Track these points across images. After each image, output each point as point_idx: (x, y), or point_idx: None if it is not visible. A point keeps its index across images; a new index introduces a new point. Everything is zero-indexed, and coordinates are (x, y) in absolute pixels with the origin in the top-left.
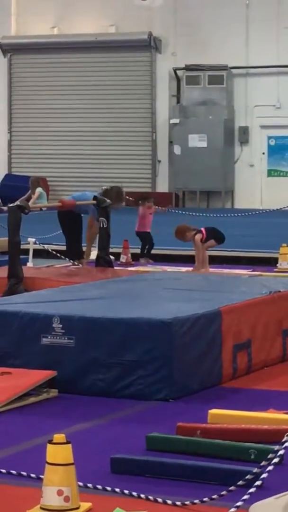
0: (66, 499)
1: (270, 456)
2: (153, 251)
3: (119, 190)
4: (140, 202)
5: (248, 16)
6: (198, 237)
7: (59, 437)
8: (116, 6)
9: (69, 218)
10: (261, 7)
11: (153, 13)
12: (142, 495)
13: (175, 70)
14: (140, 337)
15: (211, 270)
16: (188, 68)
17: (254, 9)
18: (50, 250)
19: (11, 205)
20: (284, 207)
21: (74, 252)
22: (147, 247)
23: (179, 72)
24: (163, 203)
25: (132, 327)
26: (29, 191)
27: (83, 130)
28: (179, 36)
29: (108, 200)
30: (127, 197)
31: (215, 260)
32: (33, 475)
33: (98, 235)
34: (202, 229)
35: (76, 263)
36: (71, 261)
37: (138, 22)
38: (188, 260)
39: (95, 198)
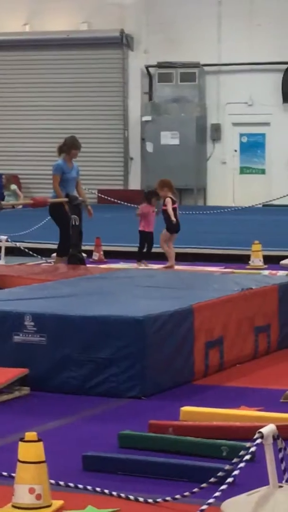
0: (38, 497)
1: (241, 453)
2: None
3: (73, 137)
4: (147, 199)
5: (220, 14)
6: (169, 201)
7: (30, 435)
8: (88, 3)
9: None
10: (233, 4)
11: (125, 10)
12: (114, 493)
13: (147, 67)
14: (112, 334)
15: (183, 268)
16: (160, 65)
17: (226, 6)
18: (22, 248)
19: None
20: (256, 204)
21: (62, 249)
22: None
23: (151, 70)
24: (135, 201)
25: (104, 325)
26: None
27: (55, 128)
28: (151, 33)
29: (80, 198)
30: (100, 194)
31: (187, 258)
32: (4, 473)
33: (71, 232)
34: (175, 206)
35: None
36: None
37: (110, 20)
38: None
39: (67, 195)
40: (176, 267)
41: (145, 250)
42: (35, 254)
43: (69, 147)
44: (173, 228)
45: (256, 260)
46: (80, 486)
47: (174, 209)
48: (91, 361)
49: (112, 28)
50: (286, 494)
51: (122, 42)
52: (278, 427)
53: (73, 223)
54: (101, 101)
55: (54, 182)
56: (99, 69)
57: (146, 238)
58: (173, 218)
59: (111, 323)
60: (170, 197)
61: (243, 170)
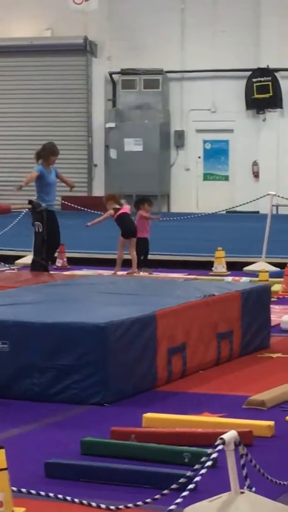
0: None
1: (203, 459)
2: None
3: (51, 143)
4: (139, 206)
5: (183, 21)
6: (110, 211)
7: None
8: (52, 10)
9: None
10: (196, 11)
11: (89, 17)
12: (76, 500)
13: (110, 74)
14: (75, 341)
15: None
16: (123, 72)
17: (189, 13)
18: None
19: None
20: (219, 211)
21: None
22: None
23: (115, 76)
24: (99, 208)
25: (67, 332)
26: None
27: (19, 134)
28: (115, 40)
29: (44, 205)
30: (63, 201)
31: (151, 264)
32: None
33: (33, 239)
34: (124, 211)
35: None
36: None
37: (73, 26)
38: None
39: (30, 202)
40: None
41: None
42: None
43: (48, 153)
44: (125, 233)
45: (219, 266)
46: (42, 493)
47: (124, 214)
48: (54, 368)
49: (75, 34)
50: (248, 500)
51: (85, 49)
52: (239, 433)
53: (37, 230)
54: (65, 107)
55: (31, 174)
56: (63, 75)
57: (141, 244)
58: (89, 224)
59: (74, 330)
60: (113, 208)
61: (206, 177)
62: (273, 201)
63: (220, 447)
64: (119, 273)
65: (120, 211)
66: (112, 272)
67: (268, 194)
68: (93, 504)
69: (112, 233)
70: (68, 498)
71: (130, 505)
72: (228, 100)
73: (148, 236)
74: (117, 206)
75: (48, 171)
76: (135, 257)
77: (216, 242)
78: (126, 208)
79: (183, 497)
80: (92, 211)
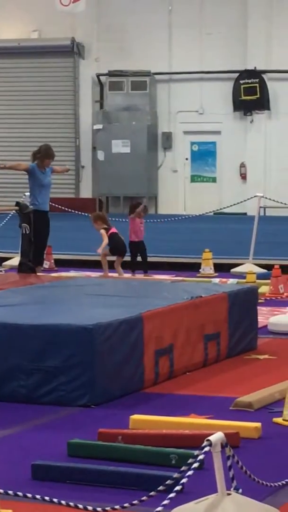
0: None
1: (190, 461)
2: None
3: (47, 145)
4: (132, 211)
5: (170, 22)
6: (103, 231)
7: None
8: (39, 11)
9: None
10: (183, 13)
11: (76, 19)
12: (63, 502)
13: (98, 76)
14: (62, 343)
15: (129, 275)
16: (111, 74)
17: (176, 15)
18: None
19: None
20: (207, 213)
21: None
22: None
23: (102, 78)
24: (86, 209)
25: (54, 333)
26: None
27: (6, 136)
28: (102, 42)
29: (31, 207)
30: (51, 203)
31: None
32: None
33: (21, 240)
34: (113, 230)
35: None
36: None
37: (61, 28)
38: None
39: (17, 204)
40: (127, 275)
41: (139, 259)
42: None
43: (43, 155)
44: (116, 251)
45: (207, 268)
46: (29, 495)
47: (115, 233)
48: (41, 370)
49: (63, 36)
50: (234, 501)
51: (73, 50)
52: (226, 435)
53: (24, 232)
54: (52, 109)
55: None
56: (50, 77)
57: (137, 247)
58: (99, 251)
59: (61, 332)
60: (104, 228)
61: (194, 179)
62: (260, 203)
63: (206, 448)
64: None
65: (111, 231)
66: (102, 274)
67: (255, 196)
68: (80, 506)
69: (99, 235)
70: (55, 500)
71: (117, 506)
72: (216, 102)
73: (143, 238)
74: (106, 226)
75: (42, 171)
76: (122, 273)
77: (204, 244)
78: (114, 228)
79: (170, 498)
80: (80, 212)
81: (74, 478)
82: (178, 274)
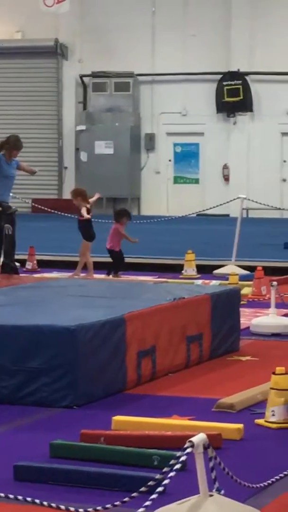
0: None
1: (172, 462)
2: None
3: (16, 136)
4: (118, 218)
5: (154, 24)
6: (84, 209)
7: None
8: (23, 12)
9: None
10: (167, 14)
11: (60, 19)
12: (45, 503)
13: (81, 76)
14: (44, 344)
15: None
16: (94, 75)
17: (160, 16)
18: None
19: None
20: (190, 214)
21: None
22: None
23: (86, 79)
24: (70, 210)
25: (36, 334)
26: None
27: None
28: (86, 43)
29: (14, 207)
30: (34, 204)
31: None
32: None
33: (4, 242)
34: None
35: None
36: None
37: (44, 29)
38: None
39: (0, 204)
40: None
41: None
42: None
43: (11, 146)
44: (90, 237)
45: (189, 269)
46: (11, 496)
47: (89, 219)
48: (23, 371)
49: (46, 37)
50: (216, 503)
51: (56, 51)
52: (208, 436)
53: (6, 232)
54: (36, 110)
55: None
56: (34, 78)
57: (115, 256)
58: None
59: (43, 333)
60: (86, 207)
61: (177, 180)
62: (243, 205)
63: (189, 450)
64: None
65: (89, 216)
66: (85, 275)
67: (238, 198)
68: (62, 507)
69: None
70: (37, 501)
71: (99, 507)
72: (199, 104)
73: (119, 248)
74: (87, 206)
75: (7, 163)
76: (83, 261)
77: (186, 245)
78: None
79: (152, 499)
80: (63, 213)
81: (56, 479)
82: (160, 276)
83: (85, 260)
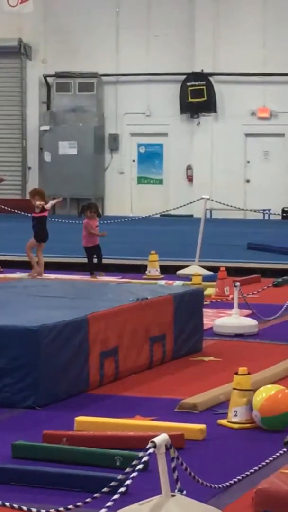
0: None
1: (134, 462)
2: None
3: None
4: (85, 212)
5: (118, 24)
6: (37, 205)
7: None
8: None
9: None
10: (131, 15)
11: (23, 19)
12: (7, 503)
13: (45, 77)
14: (6, 344)
15: (78, 277)
16: (58, 75)
17: (124, 17)
18: None
19: None
20: (153, 215)
21: None
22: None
23: (49, 79)
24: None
25: None
26: None
27: None
28: (50, 43)
29: None
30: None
31: (83, 267)
32: None
33: None
34: (45, 214)
35: None
36: None
37: (8, 28)
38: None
39: None
40: (73, 277)
41: (95, 261)
42: None
43: None
44: (40, 237)
45: (153, 270)
46: None
47: (42, 218)
48: None
49: (10, 37)
50: (178, 503)
51: (20, 51)
52: (171, 436)
53: None
54: None
55: None
56: None
57: (93, 251)
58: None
59: (5, 333)
60: (41, 205)
61: (140, 180)
62: (206, 205)
63: (151, 450)
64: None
65: (42, 214)
66: (29, 274)
67: (202, 198)
68: (24, 507)
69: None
70: None
71: (61, 508)
72: (163, 104)
73: (97, 242)
74: (43, 204)
75: None
76: (43, 261)
77: (150, 246)
78: (47, 211)
79: (114, 500)
80: (26, 213)
81: (19, 480)
82: (124, 276)
83: (31, 257)
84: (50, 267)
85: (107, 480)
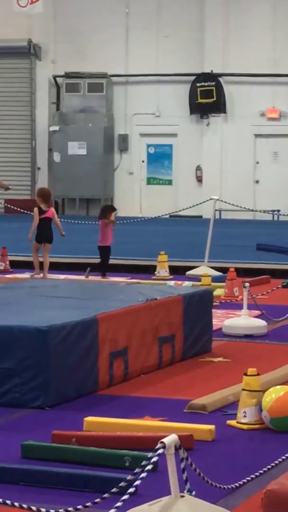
0: None
1: (144, 463)
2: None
3: None
4: (105, 215)
5: (128, 25)
6: (36, 210)
7: None
8: None
9: None
10: (140, 15)
11: (33, 20)
12: (16, 503)
13: (54, 77)
14: (16, 345)
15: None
16: (67, 75)
17: (134, 17)
18: None
19: None
20: (163, 215)
21: None
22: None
23: (59, 80)
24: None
25: (8, 335)
26: None
27: None
28: (59, 43)
29: None
30: (7, 204)
31: (95, 268)
32: None
33: None
34: (48, 215)
35: None
36: None
37: (17, 29)
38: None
39: None
40: (82, 277)
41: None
42: None
43: None
44: (39, 238)
45: (162, 270)
46: None
47: (47, 218)
48: None
49: (20, 37)
50: (188, 504)
51: (30, 51)
52: (180, 437)
53: None
54: (9, 110)
55: None
56: (7, 78)
57: (107, 252)
58: (30, 236)
59: (15, 333)
60: (38, 207)
61: (150, 181)
62: (216, 206)
63: (160, 451)
64: (37, 276)
65: (43, 215)
66: (31, 275)
67: (211, 199)
68: (33, 508)
69: (57, 236)
70: (8, 501)
71: (70, 508)
72: (172, 105)
73: (110, 243)
74: (41, 207)
75: None
76: (48, 262)
77: (159, 246)
78: (50, 212)
79: (124, 500)
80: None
81: (28, 480)
82: (133, 277)
83: (34, 258)
84: (60, 267)
85: (116, 481)
